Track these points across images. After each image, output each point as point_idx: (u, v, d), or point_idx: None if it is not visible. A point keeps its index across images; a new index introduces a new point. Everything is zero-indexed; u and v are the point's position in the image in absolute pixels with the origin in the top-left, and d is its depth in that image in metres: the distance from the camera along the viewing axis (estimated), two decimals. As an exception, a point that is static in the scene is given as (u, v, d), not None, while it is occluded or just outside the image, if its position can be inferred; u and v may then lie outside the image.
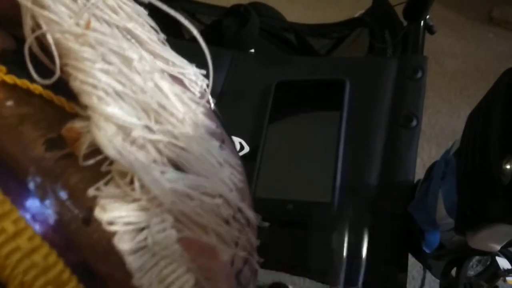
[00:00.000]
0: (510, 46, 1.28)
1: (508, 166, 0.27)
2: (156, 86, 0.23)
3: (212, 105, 0.29)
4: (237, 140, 0.53)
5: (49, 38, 0.20)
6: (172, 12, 0.22)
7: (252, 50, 0.64)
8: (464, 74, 1.23)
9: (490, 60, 1.24)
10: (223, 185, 0.24)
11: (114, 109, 0.20)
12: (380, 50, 0.62)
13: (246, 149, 0.52)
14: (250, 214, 0.26)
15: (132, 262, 0.19)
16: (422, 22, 0.57)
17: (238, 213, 0.25)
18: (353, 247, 0.45)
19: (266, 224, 0.28)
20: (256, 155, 0.51)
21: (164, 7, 0.22)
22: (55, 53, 0.20)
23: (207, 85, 0.27)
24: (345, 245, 0.45)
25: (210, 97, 0.27)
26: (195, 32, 0.23)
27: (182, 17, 0.22)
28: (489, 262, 0.40)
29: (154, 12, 0.25)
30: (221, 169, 0.25)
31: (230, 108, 0.55)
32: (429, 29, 0.58)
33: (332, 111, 0.51)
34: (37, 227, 0.19)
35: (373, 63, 0.56)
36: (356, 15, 0.69)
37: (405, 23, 0.58)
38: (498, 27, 1.34)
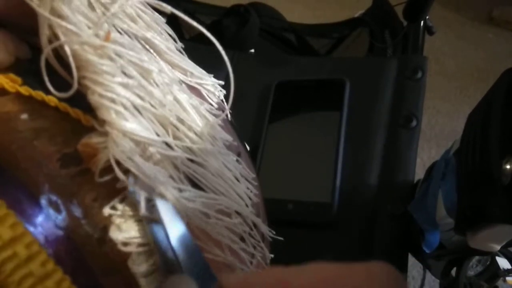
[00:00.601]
0: (510, 46, 1.28)
1: (508, 166, 0.27)
2: (175, 99, 0.22)
3: (229, 116, 0.28)
4: (237, 140, 0.53)
5: (67, 49, 0.19)
6: (190, 20, 0.21)
7: (252, 50, 0.64)
8: (464, 74, 1.23)
9: (490, 60, 1.24)
10: (239, 201, 0.24)
11: (132, 125, 0.19)
12: (380, 50, 0.62)
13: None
14: (265, 229, 0.26)
15: (146, 285, 0.19)
16: (422, 22, 0.57)
17: (253, 229, 0.24)
18: (353, 247, 0.45)
19: (281, 238, 0.28)
20: (256, 155, 0.51)
21: (181, 14, 0.21)
22: (73, 65, 0.19)
23: (225, 97, 0.27)
24: (346, 245, 0.45)
25: (228, 109, 0.26)
26: (215, 41, 0.22)
27: (201, 26, 0.22)
28: (489, 262, 0.40)
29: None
30: (238, 184, 0.24)
31: (230, 108, 0.55)
32: (429, 30, 0.58)
33: (332, 111, 0.51)
34: (50, 250, 0.19)
35: (373, 63, 0.56)
36: (356, 15, 0.69)
37: (405, 23, 0.58)
38: (498, 27, 1.34)
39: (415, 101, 0.50)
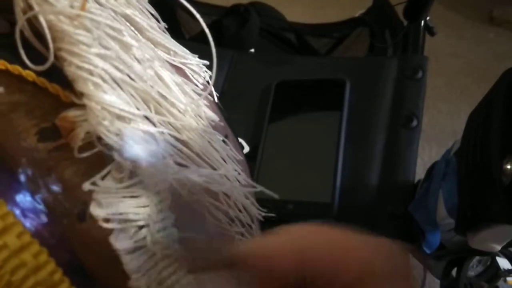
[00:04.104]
0: (510, 46, 1.28)
1: (508, 166, 0.27)
2: (157, 74, 0.21)
3: (216, 98, 0.27)
4: (237, 140, 0.52)
5: (42, 20, 0.18)
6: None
7: (252, 50, 0.64)
8: (464, 74, 1.23)
9: (490, 60, 1.24)
10: (226, 182, 0.23)
11: (111, 97, 0.18)
12: (380, 50, 0.62)
13: (246, 149, 0.52)
14: (254, 211, 0.26)
15: (130, 262, 0.18)
16: (422, 22, 0.57)
17: (242, 211, 0.24)
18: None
19: (273, 215, 0.27)
20: (256, 155, 0.51)
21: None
22: (48, 37, 0.18)
23: (210, 77, 0.26)
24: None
25: (213, 89, 0.26)
26: (201, 21, 0.21)
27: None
28: (489, 263, 0.40)
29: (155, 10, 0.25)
30: (225, 165, 0.24)
31: (230, 108, 0.55)
32: (430, 30, 0.57)
33: (332, 111, 0.51)
34: (27, 223, 0.18)
35: (373, 63, 0.56)
36: (357, 14, 0.68)
37: (405, 23, 0.58)
38: (498, 27, 1.33)
39: (416, 101, 0.50)
